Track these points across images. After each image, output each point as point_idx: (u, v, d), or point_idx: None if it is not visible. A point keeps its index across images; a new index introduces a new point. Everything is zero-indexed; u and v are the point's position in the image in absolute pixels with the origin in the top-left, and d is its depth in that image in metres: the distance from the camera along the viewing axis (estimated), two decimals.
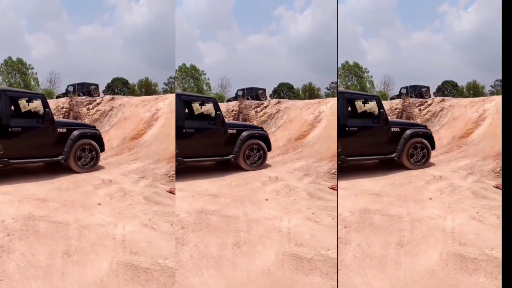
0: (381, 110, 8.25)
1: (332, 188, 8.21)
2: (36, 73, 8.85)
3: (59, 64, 8.78)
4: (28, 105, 8.07)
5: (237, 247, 7.11)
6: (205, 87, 8.95)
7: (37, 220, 7.14)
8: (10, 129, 7.59)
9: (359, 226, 7.41)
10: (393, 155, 8.36)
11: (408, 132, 8.38)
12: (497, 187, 8.15)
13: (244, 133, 8.56)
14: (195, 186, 8.14)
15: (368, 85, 8.78)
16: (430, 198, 7.93)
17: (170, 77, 8.78)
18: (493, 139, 9.01)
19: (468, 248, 6.89)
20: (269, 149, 8.77)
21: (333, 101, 9.02)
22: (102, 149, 8.47)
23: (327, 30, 8.93)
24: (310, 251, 7.06)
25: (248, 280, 6.64)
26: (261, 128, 8.89)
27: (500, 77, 9.09)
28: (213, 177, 8.49)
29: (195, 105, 8.55)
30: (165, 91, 8.92)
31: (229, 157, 8.55)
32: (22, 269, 6.33)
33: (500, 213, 7.51)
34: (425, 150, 8.50)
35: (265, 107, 9.25)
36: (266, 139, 8.71)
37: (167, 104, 8.98)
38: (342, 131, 8.00)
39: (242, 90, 8.89)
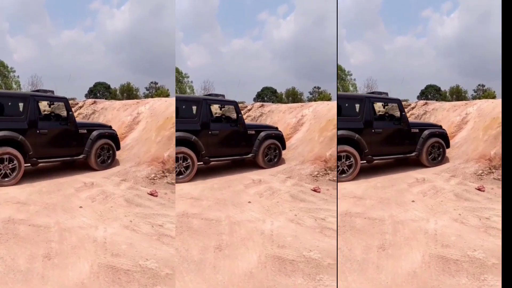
0: (402, 113, 8.62)
1: (315, 190, 8.22)
2: (17, 76, 8.82)
3: (40, 68, 8.76)
4: (50, 107, 8.44)
5: (219, 250, 7.07)
6: (188, 90, 8.94)
7: (17, 224, 7.06)
8: (38, 131, 8.03)
9: (339, 230, 7.41)
10: (412, 154, 8.75)
11: (426, 132, 8.79)
12: (479, 189, 8.20)
13: (262, 134, 8.92)
14: (177, 189, 8.11)
15: (351, 88, 8.81)
16: (413, 201, 7.95)
17: (152, 82, 8.84)
18: (475, 142, 9.07)
19: (450, 250, 6.90)
20: (284, 147, 9.06)
21: (315, 105, 9.07)
22: (118, 148, 8.87)
23: (310, 35, 8.99)
24: (293, 252, 7.04)
25: (230, 282, 6.60)
26: (276, 128, 9.17)
27: (482, 82, 9.22)
28: (195, 180, 8.48)
29: (214, 107, 8.83)
30: (146, 96, 8.94)
31: (249, 156, 8.88)
32: (1, 274, 6.25)
33: (482, 214, 7.56)
34: (441, 149, 8.88)
35: (249, 110, 9.27)
36: (281, 139, 9.05)
37: (147, 108, 9.02)
38: (368, 133, 8.33)
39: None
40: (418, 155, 8.78)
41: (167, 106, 8.93)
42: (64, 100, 8.42)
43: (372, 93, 8.66)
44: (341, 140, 8.20)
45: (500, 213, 7.54)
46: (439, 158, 8.82)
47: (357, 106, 8.55)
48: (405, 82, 9.08)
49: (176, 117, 8.26)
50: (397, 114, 8.80)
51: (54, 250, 6.70)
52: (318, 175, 8.50)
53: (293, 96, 9.35)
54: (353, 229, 7.41)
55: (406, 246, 7.07)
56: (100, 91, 9.14)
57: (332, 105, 9.01)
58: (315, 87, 9.30)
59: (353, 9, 8.62)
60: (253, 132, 8.93)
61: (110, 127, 9.02)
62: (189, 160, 8.23)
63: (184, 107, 8.62)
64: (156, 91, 8.89)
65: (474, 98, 9.29)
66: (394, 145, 8.71)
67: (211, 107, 8.74)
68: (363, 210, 7.73)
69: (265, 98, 9.38)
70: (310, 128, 9.24)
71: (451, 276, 6.57)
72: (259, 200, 8.03)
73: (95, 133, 8.70)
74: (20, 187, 8.01)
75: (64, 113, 8.50)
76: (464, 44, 9.00)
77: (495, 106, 9.21)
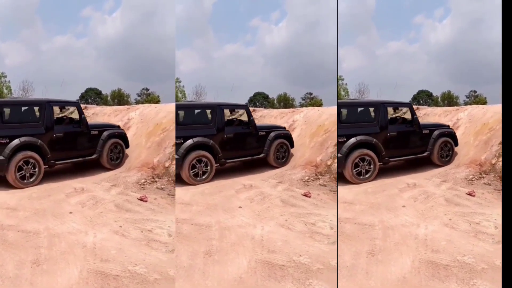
0: (414, 116, 8.95)
1: (305, 195, 8.23)
2: (9, 81, 8.82)
3: (32, 73, 8.78)
4: (61, 111, 8.92)
5: (208, 256, 7.06)
6: (179, 95, 8.95)
7: (6, 230, 7.06)
8: (54, 135, 8.40)
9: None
10: (424, 154, 9.08)
11: (436, 132, 9.12)
12: (469, 194, 8.21)
13: (272, 134, 9.23)
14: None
15: (342, 93, 8.82)
16: (404, 206, 7.96)
17: (143, 89, 8.91)
18: (466, 147, 9.10)
19: (440, 255, 6.90)
20: (292, 146, 9.33)
21: (306, 110, 9.11)
22: (127, 146, 9.14)
23: (302, 41, 9.02)
24: (283, 257, 7.04)
25: None
26: (284, 128, 9.41)
27: (474, 88, 9.26)
28: (186, 184, 8.49)
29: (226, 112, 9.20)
30: (138, 102, 9.01)
31: (261, 155, 9.21)
32: None
33: (472, 219, 7.58)
34: (450, 148, 9.19)
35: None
36: (289, 138, 9.33)
37: (138, 114, 9.09)
38: (384, 136, 8.67)
39: None
40: (430, 154, 9.07)
41: (157, 112, 9.01)
42: (77, 104, 8.76)
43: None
44: (360, 145, 8.45)
45: (490, 218, 7.57)
46: (449, 157, 9.11)
47: (371, 111, 8.84)
48: (397, 87, 9.12)
49: (180, 123, 8.53)
50: (409, 117, 9.08)
51: (43, 256, 6.69)
52: (308, 180, 8.51)
53: (285, 102, 9.38)
54: (343, 234, 7.41)
55: (396, 251, 7.08)
56: (91, 96, 9.16)
57: (323, 110, 9.07)
58: (307, 93, 9.33)
59: (346, 14, 8.64)
60: (264, 133, 9.25)
61: (118, 126, 9.25)
62: (208, 163, 8.57)
63: (198, 112, 8.93)
64: (147, 97, 8.97)
65: (465, 104, 9.32)
66: (408, 147, 9.04)
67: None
68: (353, 215, 7.74)
69: (257, 103, 9.41)
70: (301, 134, 9.26)
71: (441, 281, 6.58)
72: (250, 205, 8.03)
73: (105, 133, 9.00)
74: (10, 192, 8.01)
75: (72, 115, 8.92)
76: (456, 50, 9.04)
77: (485, 111, 9.25)
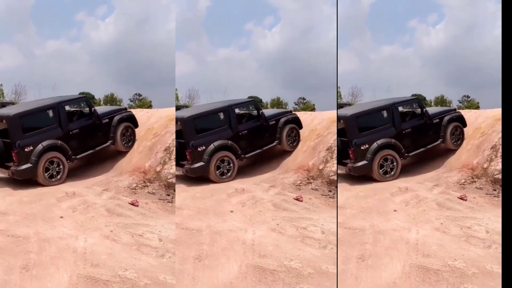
0: (424, 109, 9.19)
1: (297, 199, 8.23)
2: (1, 85, 8.82)
3: (25, 76, 8.78)
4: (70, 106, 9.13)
5: (198, 261, 7.07)
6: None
7: None
8: (70, 132, 8.75)
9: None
10: (438, 142, 9.32)
11: (445, 119, 9.32)
12: (461, 198, 8.22)
13: (282, 120, 9.41)
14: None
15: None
16: (395, 210, 7.96)
17: (135, 94, 8.96)
18: (459, 151, 9.11)
19: (431, 260, 6.92)
20: (301, 127, 9.41)
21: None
22: (136, 126, 9.24)
23: (296, 46, 9.04)
24: (274, 262, 7.04)
25: None
26: (291, 111, 9.46)
27: (467, 93, 9.29)
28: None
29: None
30: (130, 107, 9.05)
31: (274, 143, 9.38)
32: None
33: (464, 224, 7.59)
34: (460, 132, 9.36)
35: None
36: (298, 121, 9.42)
37: None
38: (400, 135, 9.00)
39: None
40: (443, 141, 9.31)
41: (149, 117, 9.01)
42: (85, 99, 8.99)
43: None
44: (383, 147, 8.83)
45: (481, 222, 7.59)
46: (460, 141, 9.30)
47: (384, 113, 9.09)
48: (391, 91, 9.13)
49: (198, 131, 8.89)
50: (418, 110, 9.27)
51: (32, 261, 6.69)
52: (301, 184, 8.52)
53: (278, 106, 9.39)
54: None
55: (386, 256, 7.08)
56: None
57: (315, 115, 9.10)
58: (300, 97, 9.34)
59: (340, 18, 8.65)
60: (274, 121, 9.42)
61: (125, 109, 9.31)
62: (230, 161, 8.90)
63: (211, 116, 9.12)
64: (139, 102, 9.01)
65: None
66: (422, 139, 9.29)
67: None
68: (343, 219, 7.74)
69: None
70: None
71: (431, 286, 6.60)
72: (241, 209, 8.03)
73: (116, 119, 9.19)
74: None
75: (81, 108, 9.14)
76: (449, 55, 9.06)
77: (477, 116, 9.26)
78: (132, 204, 7.96)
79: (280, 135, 9.41)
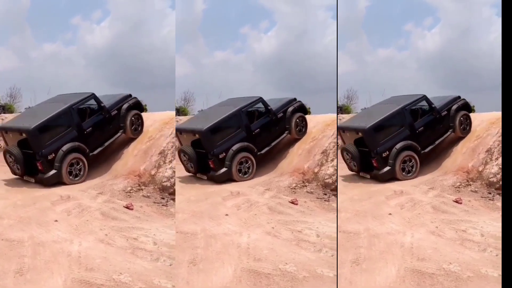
0: (432, 106, 9.41)
1: (292, 203, 8.24)
2: None
3: (20, 79, 8.82)
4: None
5: (193, 265, 7.06)
6: None
7: None
8: (85, 132, 8.99)
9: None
10: (449, 133, 9.56)
11: (453, 108, 9.56)
12: (456, 201, 8.22)
13: (289, 110, 9.61)
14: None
15: None
16: (390, 214, 7.96)
17: None
18: (454, 154, 9.13)
19: (426, 263, 6.90)
20: (306, 113, 9.66)
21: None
22: (142, 110, 9.51)
23: (291, 50, 9.07)
24: (269, 265, 7.02)
25: None
26: (295, 99, 9.70)
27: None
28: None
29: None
30: None
31: (284, 134, 9.63)
32: None
33: (459, 227, 7.58)
34: (468, 119, 9.59)
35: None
36: (304, 108, 9.67)
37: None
38: (414, 135, 9.25)
39: None
40: (453, 131, 9.54)
41: (144, 120, 9.17)
42: (93, 96, 9.12)
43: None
44: (401, 150, 9.06)
45: (476, 226, 7.57)
46: (468, 127, 9.52)
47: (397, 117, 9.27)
48: (386, 93, 9.17)
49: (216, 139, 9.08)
50: (426, 107, 9.44)
51: (26, 265, 6.66)
52: (296, 187, 8.52)
53: None
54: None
55: (381, 260, 7.07)
56: None
57: (311, 118, 9.16)
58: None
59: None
60: (282, 114, 9.59)
61: (130, 95, 9.51)
62: (249, 162, 9.15)
63: (225, 122, 9.26)
64: None
65: None
66: (434, 134, 9.51)
67: None
68: (338, 223, 7.73)
69: None
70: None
71: None
72: (236, 213, 8.03)
73: (124, 107, 9.39)
74: None
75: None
76: (444, 59, 9.11)
77: (473, 119, 9.30)
78: (127, 207, 7.96)
79: (289, 125, 9.59)
